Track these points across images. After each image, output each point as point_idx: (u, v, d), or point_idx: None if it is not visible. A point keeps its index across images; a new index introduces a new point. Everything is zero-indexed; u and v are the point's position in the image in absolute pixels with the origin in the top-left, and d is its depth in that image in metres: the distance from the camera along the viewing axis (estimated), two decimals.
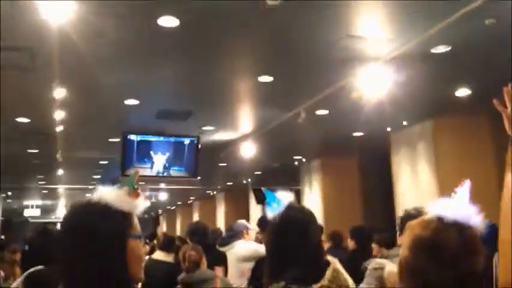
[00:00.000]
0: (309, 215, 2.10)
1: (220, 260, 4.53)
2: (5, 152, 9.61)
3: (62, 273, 1.34)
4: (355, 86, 5.46)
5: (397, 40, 4.53)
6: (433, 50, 4.75)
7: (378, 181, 11.00)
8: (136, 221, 1.43)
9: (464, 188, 1.45)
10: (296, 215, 2.06)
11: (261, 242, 4.35)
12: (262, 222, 3.75)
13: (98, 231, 1.33)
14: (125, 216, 1.38)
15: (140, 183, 1.52)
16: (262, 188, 2.23)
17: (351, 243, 5.17)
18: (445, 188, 7.38)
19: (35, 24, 3.81)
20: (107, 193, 1.40)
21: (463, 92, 6.21)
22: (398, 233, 3.17)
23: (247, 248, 4.78)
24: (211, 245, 4.89)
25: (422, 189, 7.78)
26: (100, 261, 1.31)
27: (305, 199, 11.97)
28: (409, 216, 2.81)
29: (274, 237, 2.03)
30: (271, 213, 2.08)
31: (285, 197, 2.11)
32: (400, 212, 8.39)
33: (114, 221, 1.36)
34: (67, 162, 9.80)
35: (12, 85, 5.57)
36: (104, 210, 1.36)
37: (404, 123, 7.92)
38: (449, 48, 4.71)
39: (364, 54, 4.84)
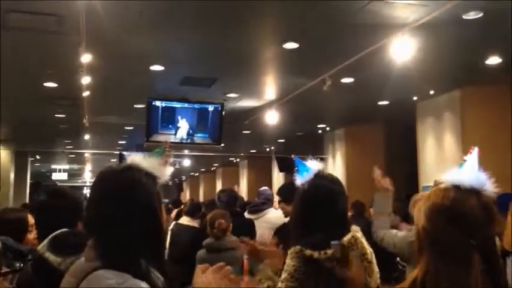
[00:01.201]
0: (338, 184, 2.13)
1: (248, 228, 4.57)
2: (32, 117, 9.83)
3: (97, 235, 1.39)
4: (381, 53, 5.38)
5: (427, 5, 4.43)
6: (465, 16, 4.63)
7: (402, 151, 10.93)
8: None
9: (474, 156, 1.46)
10: (325, 184, 2.09)
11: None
12: (283, 191, 3.78)
13: (137, 195, 1.40)
14: (156, 183, 1.47)
15: (167, 150, 1.59)
16: (293, 156, 2.27)
17: (371, 213, 5.19)
18: None
19: None
20: (139, 160, 1.47)
21: (493, 60, 6.07)
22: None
23: (280, 215, 4.81)
24: (239, 212, 4.97)
25: (448, 160, 7.72)
26: (141, 223, 1.38)
27: (328, 168, 11.99)
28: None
29: (302, 204, 2.07)
30: (301, 181, 2.11)
31: (314, 166, 2.14)
32: (424, 182, 8.37)
33: (150, 186, 1.44)
34: (93, 127, 9.96)
35: (39, 50, 5.66)
36: (140, 176, 1.44)
37: (431, 92, 7.81)
38: (481, 14, 4.59)
39: (392, 20, 4.76)
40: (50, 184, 22.73)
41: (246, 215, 5.01)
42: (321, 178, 2.12)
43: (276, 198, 5.43)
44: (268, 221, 4.81)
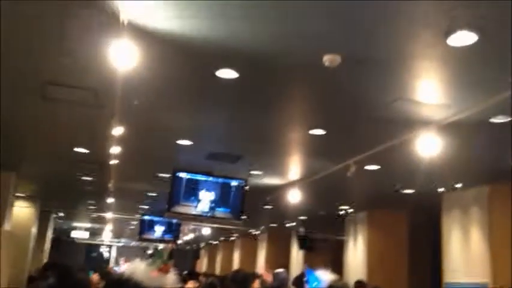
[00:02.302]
0: None
1: None
2: (60, 177, 10.01)
3: None
4: (408, 146, 5.37)
5: (454, 106, 4.45)
6: (493, 119, 4.62)
7: (426, 239, 10.64)
8: None
9: None
10: None
11: None
12: (299, 282, 3.67)
13: None
14: None
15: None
16: (304, 267, 2.24)
17: None
18: (497, 258, 7.02)
19: (103, 67, 4.01)
20: (138, 270, 1.47)
21: None
22: None
23: None
24: None
25: (473, 256, 7.44)
26: None
27: (349, 251, 11.70)
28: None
29: None
30: None
31: (325, 277, 2.09)
32: (448, 277, 8.04)
33: None
34: (117, 191, 10.08)
35: (73, 118, 5.85)
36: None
37: (459, 185, 7.67)
38: (510, 118, 4.57)
39: (418, 117, 4.78)
40: (68, 240, 22.79)
41: None
42: None
43: None
44: None
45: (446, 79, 4.01)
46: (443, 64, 3.74)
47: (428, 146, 4.92)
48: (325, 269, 2.14)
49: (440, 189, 8.10)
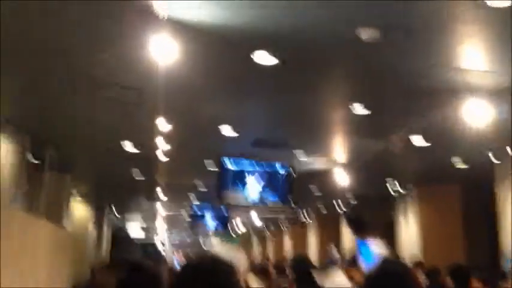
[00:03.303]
0: (406, 269, 2.07)
1: None
2: (113, 175, 10.33)
3: None
4: (456, 116, 5.27)
5: (502, 71, 4.33)
6: None
7: (481, 212, 10.37)
8: None
9: None
10: (393, 269, 2.04)
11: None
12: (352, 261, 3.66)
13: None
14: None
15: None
16: (355, 237, 2.26)
17: (449, 282, 4.92)
18: None
19: (145, 64, 4.13)
20: (226, 252, 1.55)
21: None
22: None
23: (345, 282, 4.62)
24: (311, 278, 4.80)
25: None
26: None
27: (401, 230, 11.57)
28: None
29: None
30: (366, 265, 2.07)
31: (378, 248, 2.10)
32: (506, 247, 7.84)
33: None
34: (168, 187, 10.31)
35: (121, 116, 6.03)
36: (231, 269, 1.53)
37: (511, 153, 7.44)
38: None
39: (468, 84, 4.68)
40: (126, 238, 23.39)
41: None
42: (388, 263, 2.08)
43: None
44: (336, 282, 4.62)
45: (490, 43, 3.91)
46: (485, 27, 3.64)
47: (478, 115, 4.81)
48: (378, 242, 2.15)
49: (493, 159, 7.88)
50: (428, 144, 6.95)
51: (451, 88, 4.79)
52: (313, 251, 17.13)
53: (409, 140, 6.56)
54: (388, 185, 10.82)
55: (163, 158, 7.61)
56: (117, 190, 12.06)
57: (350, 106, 5.51)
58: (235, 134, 6.76)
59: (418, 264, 7.77)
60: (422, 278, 7.01)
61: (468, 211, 10.39)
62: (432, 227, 10.48)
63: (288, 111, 5.88)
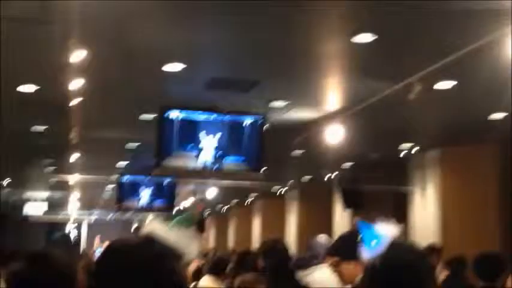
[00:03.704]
0: (421, 256, 2.16)
1: None
2: (4, 130, 10.17)
3: None
4: (492, 51, 5.36)
5: None
6: None
7: None
8: None
9: None
10: (404, 257, 2.12)
11: None
12: (339, 246, 3.76)
13: (157, 279, 1.57)
14: (180, 262, 1.65)
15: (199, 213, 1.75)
16: (356, 219, 2.35)
17: (475, 277, 5.15)
18: None
19: None
20: (160, 231, 1.60)
21: None
22: None
23: (333, 280, 4.76)
24: (289, 273, 4.93)
25: None
26: None
27: (415, 205, 11.88)
28: None
29: (375, 286, 2.11)
30: (369, 253, 2.15)
31: (387, 231, 2.18)
32: None
33: (173, 268, 1.61)
34: (84, 144, 10.25)
35: (16, 43, 5.90)
36: (161, 253, 1.60)
37: None
38: None
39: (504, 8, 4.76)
40: (19, 218, 23.33)
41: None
42: (399, 249, 2.16)
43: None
44: (319, 282, 4.77)
45: None
46: None
47: None
48: (385, 222, 2.24)
49: None
50: (456, 88, 7.09)
51: (488, 11, 4.86)
52: (292, 236, 17.52)
53: (430, 83, 6.65)
54: (399, 144, 11.03)
55: (77, 103, 7.54)
56: (12, 150, 11.92)
57: (349, 33, 5.53)
58: (181, 70, 6.71)
59: (433, 250, 8.07)
60: (440, 269, 7.31)
61: (507, 181, 10.71)
62: (458, 202, 10.78)
63: (259, 39, 5.86)
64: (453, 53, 5.86)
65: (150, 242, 1.61)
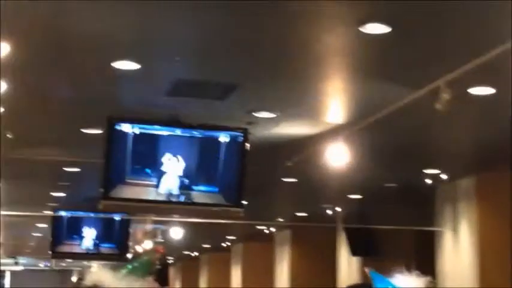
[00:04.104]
0: None
1: None
2: None
3: None
4: None
5: None
6: None
7: None
8: None
9: None
10: None
11: None
12: None
13: None
14: None
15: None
16: (367, 270, 2.38)
17: None
18: None
19: None
20: (109, 281, 1.59)
21: None
22: None
23: None
24: None
25: None
26: None
27: (444, 248, 11.89)
28: None
29: None
30: None
31: (408, 285, 2.19)
32: None
33: None
34: (6, 169, 10.17)
35: None
36: None
37: None
38: None
39: None
40: None
41: None
42: None
43: None
44: None
45: None
46: None
47: None
48: (405, 273, 2.25)
49: None
50: (497, 94, 7.11)
51: None
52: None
53: (462, 87, 6.67)
54: (422, 170, 11.03)
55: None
56: None
57: (357, 22, 5.54)
58: (136, 71, 6.70)
59: None
60: None
61: None
62: (499, 245, 10.81)
63: (237, 29, 5.85)
64: (491, 50, 5.89)
65: None
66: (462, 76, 6.43)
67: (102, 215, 13.99)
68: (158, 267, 9.37)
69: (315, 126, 8.74)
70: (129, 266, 1.91)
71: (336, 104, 8.07)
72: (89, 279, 1.54)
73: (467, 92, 7.00)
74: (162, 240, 18.44)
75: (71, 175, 11.78)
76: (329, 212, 14.62)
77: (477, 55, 6.05)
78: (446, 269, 11.72)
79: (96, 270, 1.63)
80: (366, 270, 2.46)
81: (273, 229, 18.26)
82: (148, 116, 7.95)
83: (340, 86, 7.44)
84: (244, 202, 8.49)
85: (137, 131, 7.97)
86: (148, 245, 18.19)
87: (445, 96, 6.67)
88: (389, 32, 5.69)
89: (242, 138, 8.23)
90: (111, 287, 1.46)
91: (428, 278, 2.35)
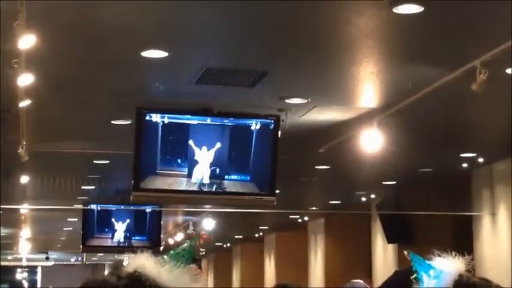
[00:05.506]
0: None
1: None
2: None
3: None
4: None
5: None
6: None
7: None
8: None
9: None
10: None
11: None
12: (402, 283, 3.76)
13: None
14: None
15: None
16: (406, 252, 2.36)
17: None
18: None
19: None
20: (151, 267, 1.59)
21: None
22: None
23: None
24: None
25: None
26: None
27: (483, 233, 11.84)
28: None
29: None
30: None
31: (449, 267, 2.17)
32: None
33: None
34: (35, 163, 10.22)
35: None
36: None
37: None
38: None
39: None
40: None
41: None
42: None
43: None
44: None
45: None
46: None
47: None
48: (444, 257, 2.25)
49: None
50: None
51: None
52: (317, 279, 17.46)
53: (499, 67, 6.61)
54: (458, 154, 10.97)
55: (27, 109, 7.54)
56: None
57: (389, 3, 5.50)
58: (164, 59, 6.71)
59: None
60: None
61: None
62: None
63: (267, 15, 5.84)
64: None
65: (138, 282, 1.58)
66: (499, 56, 6.39)
67: (132, 207, 14.04)
68: (203, 253, 9.41)
69: (348, 111, 8.71)
70: (174, 251, 1.94)
71: (368, 88, 8.04)
72: (130, 264, 1.58)
73: (505, 72, 6.94)
74: (194, 232, 18.46)
75: (100, 167, 11.84)
76: (363, 199, 14.60)
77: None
78: (485, 253, 11.66)
79: (139, 256, 1.66)
80: (405, 252, 2.44)
81: (306, 218, 18.25)
82: (178, 105, 7.96)
83: (372, 70, 7.38)
84: (277, 191, 8.50)
85: (167, 120, 7.99)
86: (179, 237, 18.28)
87: (481, 77, 6.63)
88: (421, 12, 5.66)
89: (274, 125, 8.21)
90: (153, 274, 1.49)
91: (468, 259, 2.34)
